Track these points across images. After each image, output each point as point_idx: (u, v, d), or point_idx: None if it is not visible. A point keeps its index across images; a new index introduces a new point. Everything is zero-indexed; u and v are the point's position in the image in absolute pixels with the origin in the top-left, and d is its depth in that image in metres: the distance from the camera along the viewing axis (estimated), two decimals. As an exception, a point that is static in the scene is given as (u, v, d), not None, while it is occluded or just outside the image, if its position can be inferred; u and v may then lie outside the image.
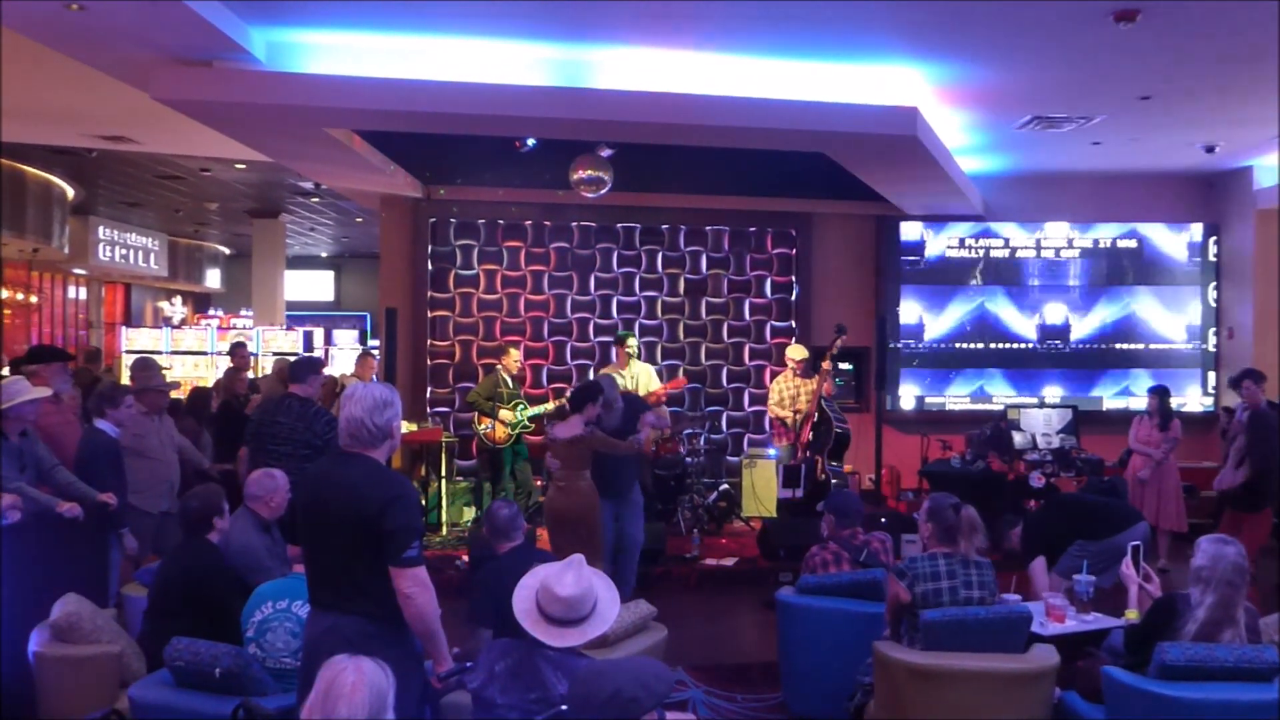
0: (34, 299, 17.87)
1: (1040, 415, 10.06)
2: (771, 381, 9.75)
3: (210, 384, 11.83)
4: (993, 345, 11.28)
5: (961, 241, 11.24)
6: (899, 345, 11.09)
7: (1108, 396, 11.26)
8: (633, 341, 9.55)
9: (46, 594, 4.61)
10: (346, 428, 3.47)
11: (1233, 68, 7.06)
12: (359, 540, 3.36)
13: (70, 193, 15.56)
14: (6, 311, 16.93)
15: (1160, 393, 8.88)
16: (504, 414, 9.31)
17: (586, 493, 6.73)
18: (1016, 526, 6.13)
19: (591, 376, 10.03)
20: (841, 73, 7.27)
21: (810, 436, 8.86)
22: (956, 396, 11.30)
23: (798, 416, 9.00)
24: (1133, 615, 4.74)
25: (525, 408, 9.44)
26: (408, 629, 3.41)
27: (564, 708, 2.92)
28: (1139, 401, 10.36)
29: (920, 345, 11.22)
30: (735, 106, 7.23)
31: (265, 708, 3.17)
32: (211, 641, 3.91)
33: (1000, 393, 11.21)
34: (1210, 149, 9.68)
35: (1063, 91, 7.77)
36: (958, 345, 11.26)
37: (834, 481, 8.67)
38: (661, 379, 10.30)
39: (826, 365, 8.88)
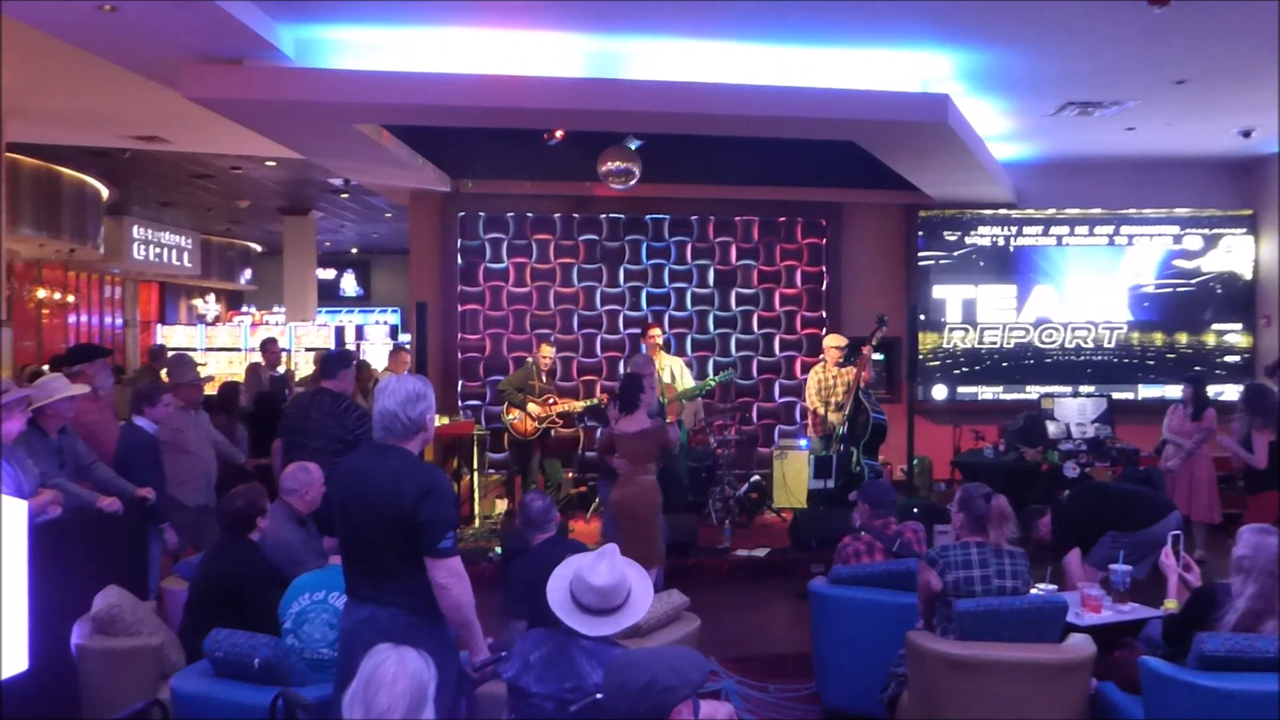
0: (70, 298, 18.10)
1: (1075, 404, 9.95)
2: (807, 373, 9.68)
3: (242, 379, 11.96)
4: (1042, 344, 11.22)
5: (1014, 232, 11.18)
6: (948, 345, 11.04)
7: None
8: (656, 332, 9.55)
9: (87, 588, 4.67)
10: (380, 420, 3.50)
11: (1269, 50, 6.95)
12: (394, 532, 3.39)
13: (105, 193, 15.75)
14: (45, 311, 17.17)
15: (1194, 381, 8.77)
16: (532, 407, 9.34)
17: (650, 488, 6.73)
18: (1044, 516, 6.08)
19: (622, 369, 10.06)
20: (872, 60, 7.22)
21: (846, 425, 8.78)
22: (989, 386, 11.23)
23: (836, 412, 8.90)
24: (1172, 605, 4.69)
25: (554, 403, 9.45)
26: (443, 619, 3.44)
27: (599, 696, 2.93)
28: (1175, 390, 10.23)
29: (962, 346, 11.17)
30: (765, 95, 7.20)
31: (304, 697, 3.20)
32: (250, 633, 3.95)
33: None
34: (1247, 134, 9.55)
35: (1096, 77, 7.68)
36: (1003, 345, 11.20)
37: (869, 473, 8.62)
38: (691, 369, 10.30)
39: (867, 351, 8.82)
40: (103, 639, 4.42)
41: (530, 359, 9.67)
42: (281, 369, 11.85)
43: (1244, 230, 11.18)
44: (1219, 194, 11.26)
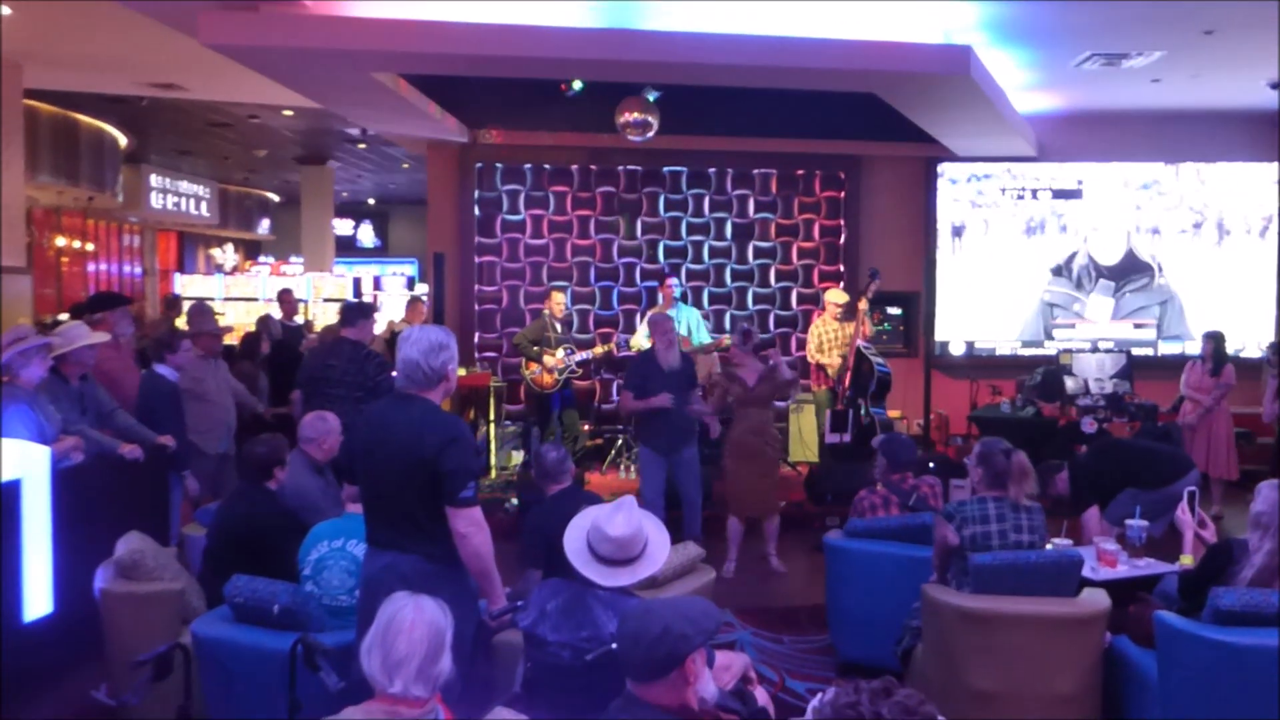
0: (90, 246, 18.17)
1: (1093, 360, 9.89)
2: (809, 329, 9.70)
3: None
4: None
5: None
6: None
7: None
8: (673, 283, 9.55)
9: (109, 533, 4.72)
10: (403, 369, 3.52)
11: (1302, 0, 6.81)
12: (415, 480, 3.41)
13: (123, 141, 15.74)
14: (64, 259, 17.23)
15: (1214, 337, 8.71)
16: (549, 359, 9.35)
17: (773, 431, 7.12)
18: (1061, 471, 6.06)
19: (639, 321, 10.05)
20: (894, 10, 7.11)
21: (850, 382, 8.80)
22: (1007, 340, 11.17)
23: (839, 361, 8.92)
24: (1187, 561, 4.69)
25: (573, 352, 9.47)
26: (463, 568, 3.48)
27: (614, 645, 2.96)
28: (1194, 346, 10.15)
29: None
30: (784, 46, 7.11)
31: (323, 643, 3.24)
32: (270, 580, 3.99)
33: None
34: (1275, 85, 9.37)
35: (1122, 27, 7.54)
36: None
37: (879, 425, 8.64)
38: (708, 322, 10.28)
39: (862, 306, 8.80)
40: (125, 583, 4.47)
41: (546, 309, 9.67)
42: (299, 319, 11.89)
43: (1271, 184, 11.00)
44: (1246, 147, 11.07)
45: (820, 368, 9.32)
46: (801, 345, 11.20)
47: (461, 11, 6.80)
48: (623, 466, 9.70)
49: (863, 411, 8.68)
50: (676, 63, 7.19)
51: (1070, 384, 9.49)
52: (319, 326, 13.36)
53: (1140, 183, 11.08)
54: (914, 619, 4.72)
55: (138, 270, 21.35)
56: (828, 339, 9.21)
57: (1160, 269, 11.10)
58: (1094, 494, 5.85)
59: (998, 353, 11.15)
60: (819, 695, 1.86)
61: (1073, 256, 11.14)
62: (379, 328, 11.42)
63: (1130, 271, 11.11)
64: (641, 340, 9.51)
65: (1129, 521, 5.23)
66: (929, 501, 5.55)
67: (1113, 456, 6.22)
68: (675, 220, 11.14)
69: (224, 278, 17.80)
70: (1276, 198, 10.98)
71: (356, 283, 16.96)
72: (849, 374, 8.77)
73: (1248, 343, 10.81)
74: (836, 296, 9.42)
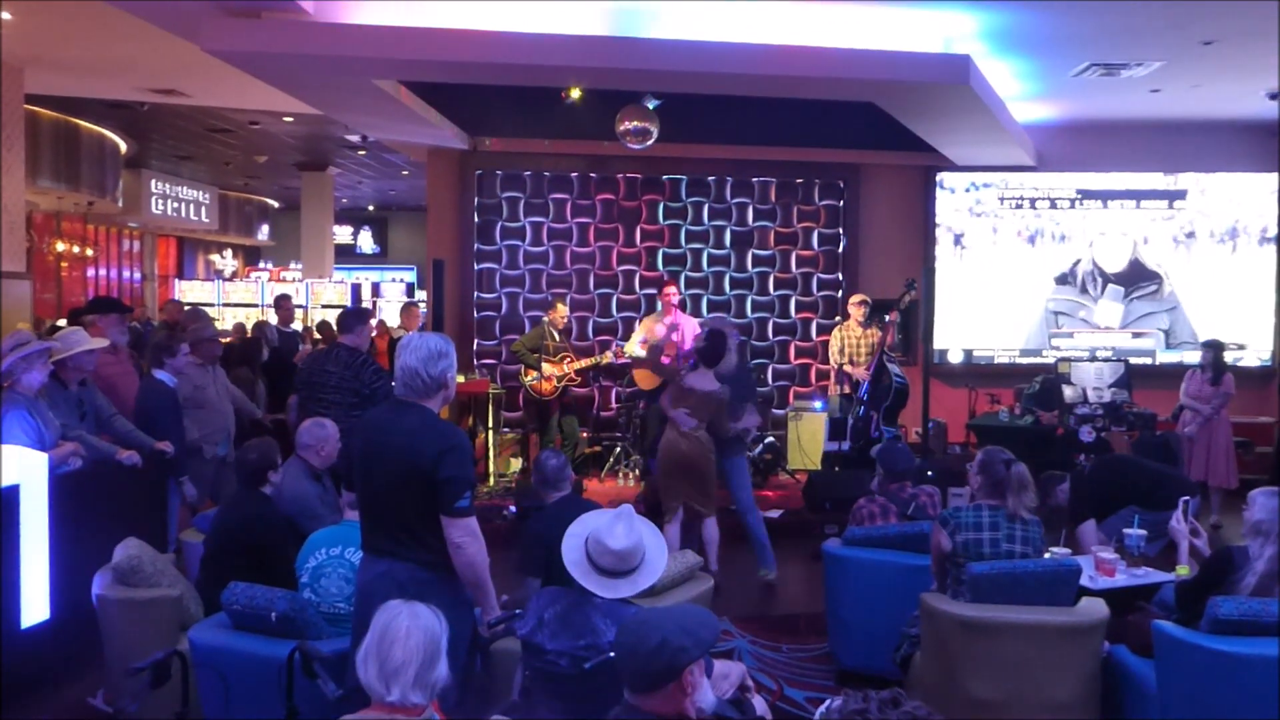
0: (90, 251, 18.17)
1: (1092, 369, 9.88)
2: (824, 335, 9.71)
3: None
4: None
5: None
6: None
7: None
8: (673, 289, 9.56)
9: (107, 539, 4.71)
10: (401, 376, 3.51)
11: (1300, 10, 6.82)
12: (412, 488, 3.40)
13: (123, 146, 15.76)
14: (64, 264, 17.24)
15: (1213, 346, 8.71)
16: (546, 367, 9.35)
17: (705, 442, 6.82)
18: (1063, 483, 6.05)
19: (636, 328, 10.04)
20: (894, 18, 7.12)
21: (867, 386, 8.79)
22: (1006, 349, 11.17)
23: (862, 370, 8.93)
24: (1183, 571, 4.69)
25: (571, 361, 9.47)
26: (458, 577, 3.46)
27: (613, 654, 2.96)
28: (1193, 355, 10.15)
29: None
30: (784, 55, 7.12)
31: (321, 650, 3.23)
32: (267, 587, 3.98)
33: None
34: (1275, 96, 9.38)
35: (1121, 37, 7.55)
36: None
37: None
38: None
39: (893, 316, 8.81)
40: (123, 589, 4.46)
41: (546, 318, 9.67)
42: (296, 325, 11.89)
43: (1271, 195, 11.02)
44: (1245, 158, 11.09)
45: (843, 372, 9.33)
46: (800, 353, 11.23)
47: (462, 19, 6.81)
48: (621, 474, 9.69)
49: (874, 424, 8.65)
50: (676, 71, 7.20)
51: (1069, 393, 9.47)
52: (319, 334, 13.37)
53: (1138, 200, 11.09)
54: (912, 627, 4.72)
55: (137, 275, 21.37)
56: (851, 345, 9.23)
57: (1167, 277, 11.11)
58: (1095, 508, 5.83)
59: (996, 361, 11.16)
60: (827, 702, 1.86)
61: (1077, 263, 11.15)
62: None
63: (1138, 279, 11.12)
64: (636, 348, 9.52)
65: (1126, 530, 5.23)
66: (927, 510, 5.55)
67: (1119, 472, 6.18)
68: (674, 228, 11.14)
69: (223, 283, 17.81)
70: (1276, 208, 10.99)
71: (355, 289, 16.98)
72: (867, 384, 8.75)
73: (1246, 352, 10.82)
74: (860, 298, 9.45)
